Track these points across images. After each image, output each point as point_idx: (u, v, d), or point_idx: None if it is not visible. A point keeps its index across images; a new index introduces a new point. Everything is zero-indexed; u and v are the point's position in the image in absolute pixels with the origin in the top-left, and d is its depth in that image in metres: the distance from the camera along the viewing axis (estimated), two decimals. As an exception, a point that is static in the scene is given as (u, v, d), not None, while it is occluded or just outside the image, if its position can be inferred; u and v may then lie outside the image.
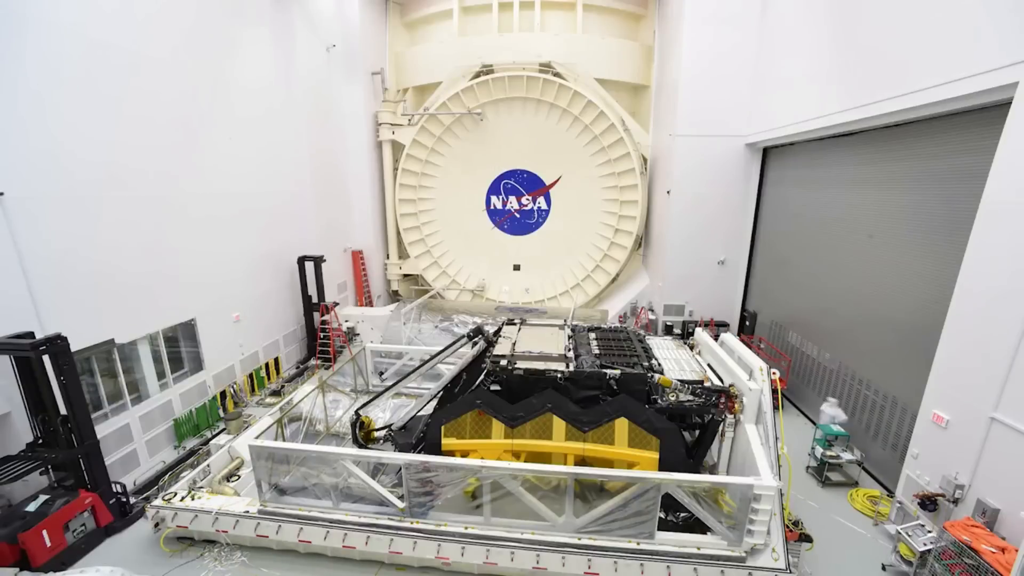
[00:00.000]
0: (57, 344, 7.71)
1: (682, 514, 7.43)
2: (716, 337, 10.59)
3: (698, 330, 11.23)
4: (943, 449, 7.63)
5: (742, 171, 15.66)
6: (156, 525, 8.16)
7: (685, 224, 16.24)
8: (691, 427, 8.56)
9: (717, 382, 8.66)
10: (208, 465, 9.20)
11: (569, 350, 9.44)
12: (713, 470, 8.78)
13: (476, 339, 9.28)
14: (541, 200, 19.92)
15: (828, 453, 9.68)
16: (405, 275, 21.25)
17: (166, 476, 10.09)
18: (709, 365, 9.71)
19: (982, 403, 6.96)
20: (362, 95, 18.29)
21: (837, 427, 9.92)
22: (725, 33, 14.76)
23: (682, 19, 15.20)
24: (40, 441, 8.14)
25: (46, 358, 7.75)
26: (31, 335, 7.83)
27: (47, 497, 7.77)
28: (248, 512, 8.05)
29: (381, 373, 13.42)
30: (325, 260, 15.97)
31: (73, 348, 8.81)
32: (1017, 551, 5.57)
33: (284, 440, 9.41)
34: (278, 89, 14.79)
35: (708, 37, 14.87)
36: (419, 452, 8.43)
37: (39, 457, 7.90)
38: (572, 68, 17.52)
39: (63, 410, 8.03)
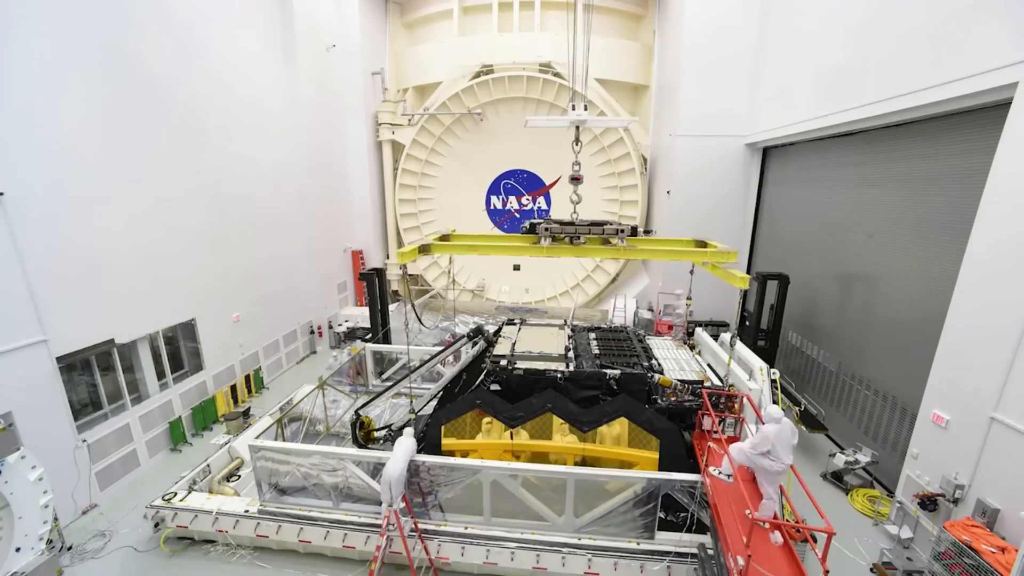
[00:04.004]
0: None
1: (682, 514, 7.42)
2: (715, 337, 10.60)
3: (698, 330, 11.24)
4: (943, 449, 7.63)
5: (742, 171, 15.65)
6: (156, 525, 8.16)
7: (685, 224, 16.22)
8: (691, 427, 8.56)
9: (717, 382, 8.66)
10: (208, 465, 9.20)
11: (569, 350, 9.45)
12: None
13: (476, 339, 9.28)
14: (541, 200, 19.91)
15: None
16: (406, 275, 21.22)
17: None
18: (709, 365, 9.72)
19: (982, 403, 6.96)
20: (362, 95, 18.28)
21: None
22: (725, 33, 14.75)
23: (682, 19, 15.20)
24: None
25: None
26: None
27: None
28: (248, 512, 8.06)
29: (381, 373, 13.41)
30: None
31: (73, 348, 8.86)
32: (1017, 551, 5.57)
33: (284, 440, 9.41)
34: (278, 89, 14.79)
35: (708, 37, 14.85)
36: (419, 452, 8.42)
37: None
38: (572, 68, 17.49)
39: None
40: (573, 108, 8.11)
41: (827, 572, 4.77)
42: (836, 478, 9.86)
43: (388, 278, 21.24)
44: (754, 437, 6.06)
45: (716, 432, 7.46)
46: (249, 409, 12.36)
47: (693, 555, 6.94)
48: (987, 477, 6.95)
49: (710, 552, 6.63)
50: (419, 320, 15.42)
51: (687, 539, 7.12)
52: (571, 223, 8.00)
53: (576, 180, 8.48)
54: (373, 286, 14.48)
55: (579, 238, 7.82)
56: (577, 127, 8.37)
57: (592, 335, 10.56)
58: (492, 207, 20.24)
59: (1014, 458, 6.56)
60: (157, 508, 8.12)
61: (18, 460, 6.77)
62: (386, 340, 14.70)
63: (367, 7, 18.13)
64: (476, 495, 7.52)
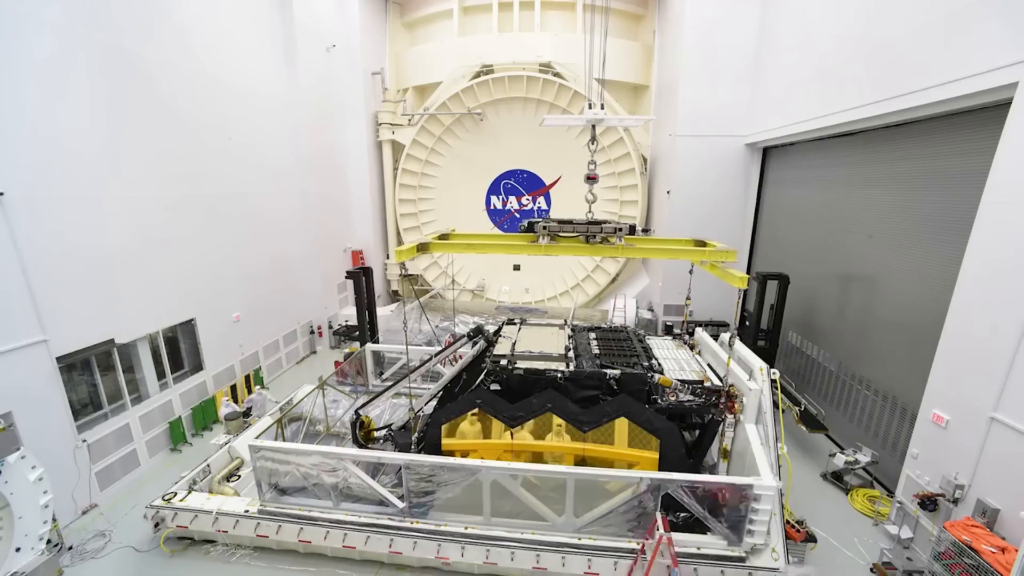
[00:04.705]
0: None
1: (682, 514, 7.43)
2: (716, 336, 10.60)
3: (698, 330, 11.24)
4: (943, 449, 7.63)
5: (742, 171, 15.65)
6: (156, 525, 8.16)
7: (685, 224, 16.22)
8: (691, 427, 8.56)
9: (717, 382, 8.66)
10: (208, 465, 9.20)
11: (569, 350, 9.44)
12: (713, 470, 8.78)
13: (476, 339, 9.28)
14: (541, 200, 19.92)
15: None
16: (405, 275, 21.25)
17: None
18: (709, 365, 9.71)
19: (982, 403, 6.96)
20: (362, 95, 18.29)
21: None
22: (725, 33, 14.75)
23: (682, 19, 15.20)
24: None
25: None
26: None
27: None
28: (248, 512, 8.06)
29: (381, 373, 13.42)
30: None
31: (73, 348, 8.87)
32: (1017, 551, 5.57)
33: (284, 440, 9.40)
34: (278, 89, 14.79)
35: (708, 37, 14.86)
36: (419, 452, 8.43)
37: None
38: (572, 68, 17.51)
39: None
40: (590, 107, 8.10)
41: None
42: (836, 478, 9.86)
43: (388, 278, 21.32)
44: None
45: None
46: (250, 409, 12.34)
47: (693, 555, 6.94)
48: (987, 477, 6.95)
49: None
50: (428, 320, 15.40)
51: (687, 539, 7.12)
52: (569, 222, 7.99)
53: (592, 179, 8.47)
54: (360, 285, 14.05)
55: (595, 236, 7.76)
56: (594, 126, 8.35)
57: (592, 335, 10.56)
58: (492, 207, 20.25)
59: (1014, 458, 6.56)
60: (157, 508, 8.11)
61: (18, 460, 6.77)
62: (374, 342, 14.57)
63: (367, 7, 18.14)
64: (476, 495, 7.52)
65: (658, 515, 6.91)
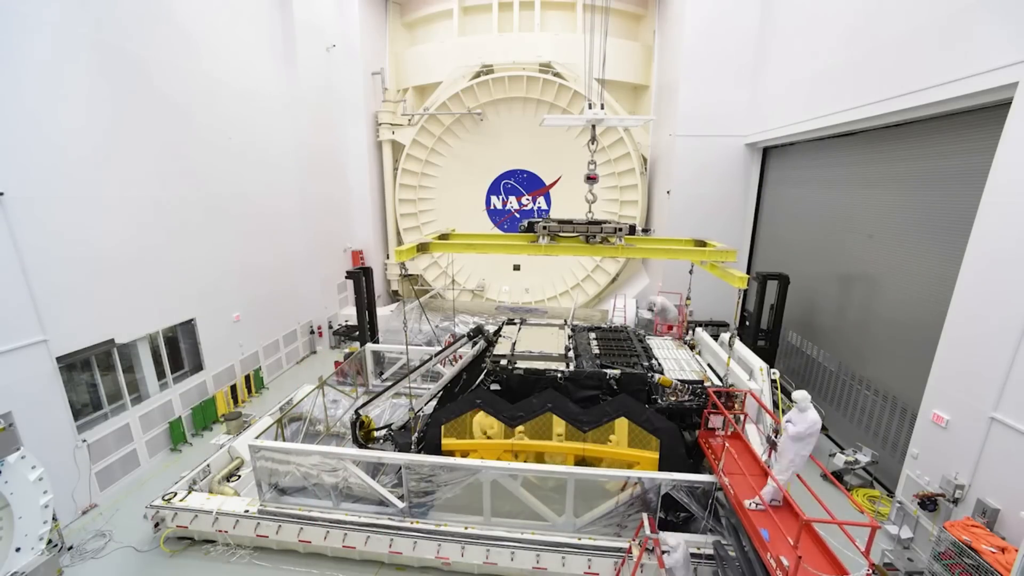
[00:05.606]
0: None
1: (682, 514, 7.43)
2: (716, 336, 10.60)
3: (698, 330, 11.25)
4: (943, 449, 7.62)
5: (742, 171, 15.65)
6: (156, 525, 8.16)
7: (685, 224, 16.21)
8: (691, 427, 8.56)
9: (717, 382, 8.66)
10: (208, 465, 9.20)
11: (569, 350, 9.45)
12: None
13: (476, 339, 9.28)
14: (541, 200, 19.91)
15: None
16: (405, 275, 21.23)
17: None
18: (709, 365, 9.72)
19: (982, 403, 6.96)
20: (362, 95, 18.28)
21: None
22: (725, 33, 14.75)
23: (682, 19, 15.20)
24: None
25: None
26: None
27: None
28: (248, 512, 8.06)
29: (381, 373, 13.41)
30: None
31: (73, 348, 8.86)
32: (1017, 551, 5.56)
33: (284, 440, 9.40)
34: (278, 89, 14.79)
35: (708, 37, 14.85)
36: (419, 452, 8.43)
37: None
38: (572, 68, 17.51)
39: None
40: (590, 107, 8.11)
41: (872, 565, 4.78)
42: (836, 478, 9.86)
43: (388, 278, 21.31)
44: (800, 425, 6.39)
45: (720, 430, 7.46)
46: (240, 414, 12.20)
47: (693, 555, 6.94)
48: (987, 477, 6.95)
49: (732, 553, 6.59)
50: (428, 320, 15.38)
51: (687, 539, 7.12)
52: (569, 222, 7.99)
53: (592, 179, 8.49)
54: (360, 285, 14.11)
55: (595, 236, 7.79)
56: (593, 126, 8.36)
57: (592, 335, 10.57)
58: (492, 207, 20.24)
59: (1014, 458, 6.56)
60: (157, 508, 8.11)
61: (18, 460, 6.77)
62: (374, 342, 14.57)
63: (367, 7, 18.13)
64: (476, 495, 7.52)
65: (644, 516, 6.93)
